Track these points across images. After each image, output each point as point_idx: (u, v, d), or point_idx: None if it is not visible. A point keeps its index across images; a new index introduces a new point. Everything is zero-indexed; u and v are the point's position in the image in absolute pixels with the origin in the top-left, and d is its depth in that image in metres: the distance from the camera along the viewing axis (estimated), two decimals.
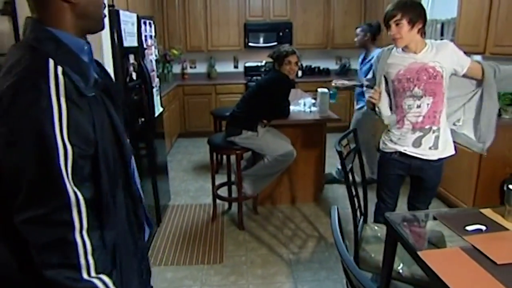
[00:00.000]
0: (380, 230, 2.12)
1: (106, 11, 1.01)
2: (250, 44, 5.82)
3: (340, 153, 1.82)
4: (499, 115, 2.96)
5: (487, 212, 1.65)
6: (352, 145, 2.12)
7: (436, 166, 2.07)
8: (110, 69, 2.30)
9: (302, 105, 3.41)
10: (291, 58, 2.88)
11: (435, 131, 2.00)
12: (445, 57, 1.93)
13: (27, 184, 0.78)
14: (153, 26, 3.10)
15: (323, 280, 2.46)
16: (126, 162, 1.01)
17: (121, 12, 2.36)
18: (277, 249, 2.80)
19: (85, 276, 0.82)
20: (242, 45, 5.84)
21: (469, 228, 1.51)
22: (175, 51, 5.58)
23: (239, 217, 3.07)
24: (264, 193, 3.38)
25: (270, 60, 3.02)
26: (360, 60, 3.90)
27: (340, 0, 5.80)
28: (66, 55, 0.85)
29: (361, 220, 2.15)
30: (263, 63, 6.04)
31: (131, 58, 2.56)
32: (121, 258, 0.95)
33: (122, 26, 2.36)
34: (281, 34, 5.78)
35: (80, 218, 0.81)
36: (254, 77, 5.89)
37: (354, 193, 1.99)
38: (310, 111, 3.32)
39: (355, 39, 3.76)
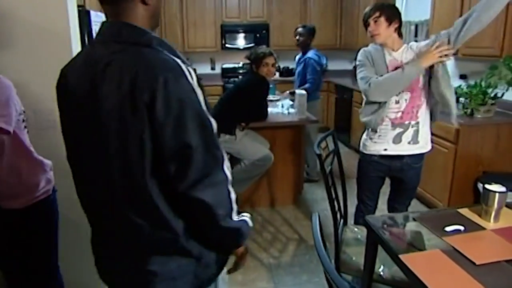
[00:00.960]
0: (360, 232, 2.11)
1: None
2: (227, 45, 5.77)
3: (319, 156, 1.80)
4: (472, 114, 3.04)
5: (465, 211, 1.66)
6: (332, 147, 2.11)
7: (416, 168, 2.10)
8: None
9: (280, 107, 3.39)
10: (268, 59, 2.85)
11: (413, 126, 2.03)
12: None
13: (199, 157, 0.89)
14: None
15: (304, 283, 2.44)
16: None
17: (92, 12, 2.27)
18: (257, 253, 2.76)
19: (235, 217, 1.00)
20: (219, 47, 5.78)
21: (448, 228, 1.51)
22: None
23: None
24: (242, 197, 3.33)
25: (248, 61, 2.99)
26: (296, 60, 4.00)
27: (316, 1, 5.84)
28: (169, 49, 0.95)
29: (341, 222, 2.14)
30: (240, 65, 6.00)
31: None
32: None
33: (93, 27, 2.27)
34: (258, 35, 5.76)
35: (228, 172, 0.97)
36: (232, 79, 5.84)
37: (334, 195, 1.97)
38: (288, 113, 3.30)
39: (297, 38, 3.84)
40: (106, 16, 0.99)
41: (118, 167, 0.92)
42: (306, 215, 3.34)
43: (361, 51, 2.13)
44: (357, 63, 2.12)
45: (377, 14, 1.95)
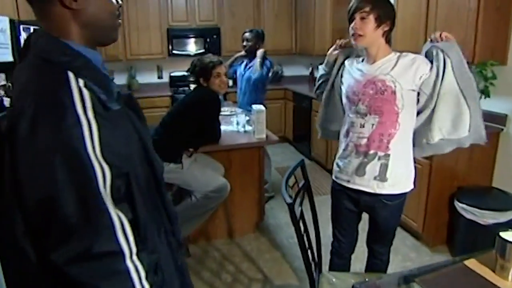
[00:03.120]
0: (338, 282, 1.72)
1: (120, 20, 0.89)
2: (175, 51, 5.24)
3: (291, 207, 1.37)
4: None
5: (474, 265, 1.32)
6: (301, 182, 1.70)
7: (391, 206, 1.71)
8: None
9: (235, 124, 2.94)
10: (219, 69, 2.40)
11: (381, 158, 1.64)
12: (404, 73, 1.58)
13: (63, 216, 0.70)
14: None
15: None
16: (159, 179, 0.94)
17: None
18: None
19: None
20: (166, 53, 5.23)
21: None
22: None
23: None
24: (196, 229, 2.84)
25: (190, 70, 2.52)
26: (242, 66, 3.69)
27: (270, 3, 5.47)
28: (85, 67, 0.78)
29: (316, 271, 1.73)
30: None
31: (1, 79, 1.89)
32: (165, 279, 0.89)
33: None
34: (208, 40, 5.29)
35: (128, 242, 0.76)
36: (181, 88, 5.32)
37: (307, 245, 1.57)
38: (245, 131, 2.86)
39: (244, 44, 3.56)
40: None
41: None
42: (269, 245, 2.93)
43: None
44: None
45: (367, 9, 1.53)
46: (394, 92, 1.58)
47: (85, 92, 0.74)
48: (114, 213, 0.74)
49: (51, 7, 0.78)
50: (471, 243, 2.53)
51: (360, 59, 1.73)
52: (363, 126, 1.64)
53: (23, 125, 0.70)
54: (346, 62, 1.79)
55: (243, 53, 3.68)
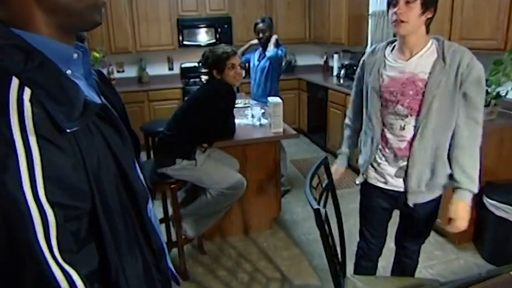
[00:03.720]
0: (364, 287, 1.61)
1: None
2: (185, 42, 5.11)
3: (318, 213, 1.24)
4: None
5: None
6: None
7: (431, 203, 1.60)
8: None
9: (250, 117, 2.82)
10: (233, 59, 2.26)
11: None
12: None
13: None
14: None
15: None
16: (139, 207, 0.75)
17: None
18: None
19: None
20: (176, 44, 5.11)
21: None
22: (96, 54, 4.69)
23: (181, 263, 2.42)
24: (211, 225, 2.76)
25: (202, 62, 2.40)
26: (256, 56, 3.57)
27: None
28: (39, 70, 0.58)
29: (341, 275, 1.62)
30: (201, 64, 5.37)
31: None
32: None
33: None
34: (219, 30, 5.14)
35: None
36: (192, 80, 5.21)
37: (332, 248, 1.45)
38: (260, 125, 2.74)
39: (260, 36, 3.45)
40: None
41: None
42: (287, 242, 2.83)
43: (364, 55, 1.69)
44: None
45: None
46: None
47: (27, 108, 0.55)
48: (59, 272, 0.57)
49: None
50: (501, 242, 2.39)
51: (389, 48, 1.57)
52: (404, 129, 1.50)
53: None
54: (369, 52, 1.63)
55: (255, 41, 3.56)
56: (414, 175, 1.52)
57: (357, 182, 1.76)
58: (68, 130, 0.59)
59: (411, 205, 1.58)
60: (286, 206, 3.31)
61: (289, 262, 2.59)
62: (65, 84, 0.62)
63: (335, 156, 1.93)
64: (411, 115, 1.48)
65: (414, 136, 1.48)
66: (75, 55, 0.68)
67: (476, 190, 1.50)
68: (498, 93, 2.62)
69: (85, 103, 0.64)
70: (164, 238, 0.90)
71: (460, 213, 1.48)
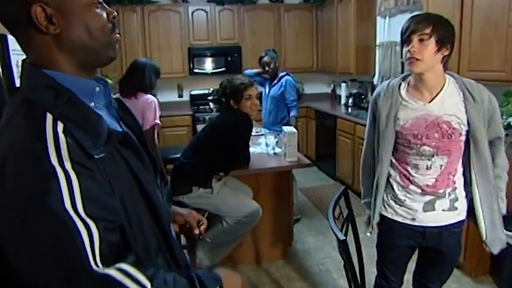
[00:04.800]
0: None
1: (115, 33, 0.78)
2: (196, 70, 5.23)
3: (344, 245, 1.24)
4: None
5: None
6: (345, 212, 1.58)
7: (458, 232, 1.59)
8: None
9: (264, 146, 2.84)
10: (250, 91, 2.31)
11: (450, 194, 1.53)
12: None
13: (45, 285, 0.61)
14: None
15: None
16: (164, 228, 0.82)
17: (10, 37, 1.67)
18: None
19: None
20: (187, 72, 5.23)
21: None
22: (109, 80, 4.82)
23: None
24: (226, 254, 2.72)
25: (219, 92, 2.44)
26: (267, 87, 3.67)
27: (291, 21, 5.44)
28: (68, 105, 0.67)
29: None
30: (210, 91, 5.47)
31: None
32: None
33: (13, 58, 1.67)
34: (229, 59, 5.27)
35: (139, 282, 0.66)
36: (201, 107, 5.29)
37: (354, 280, 1.43)
38: (274, 153, 2.76)
39: (266, 69, 3.56)
40: None
41: None
42: (299, 273, 2.79)
43: (375, 91, 1.64)
44: None
45: (428, 30, 1.34)
46: (461, 134, 1.45)
47: (62, 139, 0.64)
48: (112, 271, 0.64)
49: (30, 37, 0.69)
50: None
51: (404, 85, 1.53)
52: (430, 168, 1.50)
53: None
54: (382, 93, 1.56)
55: (258, 69, 3.67)
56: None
57: (368, 234, 1.72)
58: (96, 156, 0.67)
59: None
60: (297, 235, 3.28)
61: None
62: (90, 116, 0.70)
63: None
64: (437, 155, 1.48)
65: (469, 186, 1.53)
66: (97, 88, 0.77)
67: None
68: (509, 123, 2.64)
69: (109, 132, 0.71)
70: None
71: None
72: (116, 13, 0.79)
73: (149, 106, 2.75)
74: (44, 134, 0.64)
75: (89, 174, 0.65)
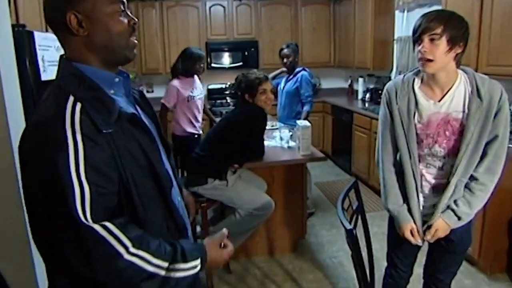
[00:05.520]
0: None
1: (133, 38, 0.94)
2: (213, 65, 5.29)
3: (350, 233, 1.27)
4: None
5: None
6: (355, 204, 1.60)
7: (467, 223, 1.58)
8: (20, 115, 1.69)
9: (278, 139, 2.87)
10: (265, 85, 2.35)
11: (460, 190, 1.52)
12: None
13: (47, 221, 0.80)
14: None
15: None
16: (164, 191, 0.96)
17: (36, 34, 1.75)
18: None
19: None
20: (205, 66, 5.27)
21: None
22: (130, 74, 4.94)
23: (208, 283, 2.46)
24: (239, 245, 2.79)
25: (235, 86, 2.48)
26: (283, 81, 3.70)
27: (308, 16, 5.43)
28: (87, 91, 0.85)
29: None
30: (227, 85, 5.53)
31: None
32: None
33: (39, 53, 1.75)
34: (246, 53, 5.31)
35: (120, 241, 0.81)
36: (219, 101, 5.36)
37: (362, 270, 1.46)
38: (288, 147, 2.79)
39: (285, 61, 3.58)
40: None
41: None
42: (311, 265, 2.82)
43: (384, 89, 1.62)
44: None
45: (439, 30, 1.32)
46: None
47: (77, 116, 0.80)
48: (96, 225, 0.79)
49: (66, 37, 0.87)
50: None
51: (417, 81, 1.52)
52: (442, 169, 1.51)
53: (26, 142, 0.83)
54: (397, 88, 1.54)
55: (283, 68, 3.69)
56: (441, 208, 1.53)
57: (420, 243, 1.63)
58: (104, 131, 0.82)
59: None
60: (311, 228, 3.31)
61: (314, 286, 2.58)
62: (104, 99, 0.86)
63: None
64: (448, 156, 1.48)
65: (449, 173, 1.49)
66: (117, 79, 0.93)
67: (467, 220, 1.53)
68: None
69: (120, 112, 0.87)
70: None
71: (438, 232, 1.53)
72: (136, 20, 0.94)
73: (167, 89, 3.35)
74: (64, 111, 0.80)
75: (95, 146, 0.80)
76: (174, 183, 1.05)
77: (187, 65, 3.31)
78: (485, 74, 2.72)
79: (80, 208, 0.77)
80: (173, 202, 0.99)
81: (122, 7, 0.90)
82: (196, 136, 3.42)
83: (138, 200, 0.88)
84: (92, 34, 0.86)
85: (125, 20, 0.90)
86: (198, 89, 3.45)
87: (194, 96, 3.36)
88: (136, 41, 0.94)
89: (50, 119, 0.80)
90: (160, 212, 0.95)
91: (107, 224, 0.80)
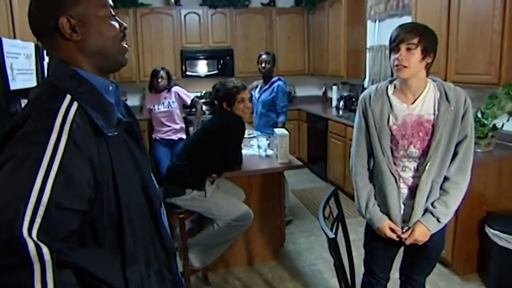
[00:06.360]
0: None
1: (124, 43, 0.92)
2: (188, 73, 5.25)
3: (332, 242, 1.28)
4: None
5: None
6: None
7: (442, 228, 1.64)
8: None
9: (256, 148, 2.87)
10: (243, 94, 2.35)
11: (436, 192, 1.59)
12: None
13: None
14: None
15: None
16: (155, 209, 0.91)
17: (4, 40, 1.68)
18: None
19: None
20: (179, 74, 5.24)
21: None
22: None
23: None
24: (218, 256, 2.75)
25: (210, 95, 2.47)
26: (257, 90, 3.75)
27: (282, 25, 5.50)
28: (87, 92, 0.82)
29: None
30: (203, 93, 5.50)
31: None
32: None
33: (7, 61, 1.68)
34: (221, 61, 5.30)
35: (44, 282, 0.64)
36: (193, 109, 5.30)
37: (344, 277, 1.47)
38: (266, 155, 2.80)
39: (263, 66, 3.62)
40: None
41: None
42: (291, 273, 2.82)
43: (360, 98, 1.70)
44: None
45: (415, 40, 1.46)
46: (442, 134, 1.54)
47: (70, 115, 0.76)
48: (32, 243, 0.64)
49: (58, 42, 0.83)
50: (507, 273, 2.40)
51: (391, 87, 1.62)
52: (417, 170, 1.58)
53: (16, 134, 0.74)
54: (371, 95, 1.63)
55: (261, 81, 3.72)
56: (418, 207, 1.58)
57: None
58: (109, 134, 0.79)
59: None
60: (289, 236, 3.31)
61: None
62: (106, 104, 0.84)
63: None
64: (423, 156, 1.55)
65: (422, 171, 1.55)
66: (111, 87, 0.90)
67: (446, 221, 1.59)
68: (494, 125, 2.72)
69: (118, 118, 0.86)
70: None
71: (419, 237, 1.58)
72: (126, 25, 0.92)
73: None
74: (58, 108, 0.76)
75: (78, 152, 0.74)
76: (162, 200, 1.00)
77: (150, 81, 3.93)
78: (454, 82, 2.87)
79: (28, 221, 0.65)
80: (162, 222, 0.95)
81: (112, 12, 0.88)
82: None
83: (126, 219, 0.81)
84: (86, 38, 0.84)
85: (116, 25, 0.89)
86: (165, 104, 3.90)
87: (153, 110, 3.90)
88: (127, 46, 0.92)
89: (43, 116, 0.75)
90: (149, 234, 0.89)
91: (45, 251, 0.65)
